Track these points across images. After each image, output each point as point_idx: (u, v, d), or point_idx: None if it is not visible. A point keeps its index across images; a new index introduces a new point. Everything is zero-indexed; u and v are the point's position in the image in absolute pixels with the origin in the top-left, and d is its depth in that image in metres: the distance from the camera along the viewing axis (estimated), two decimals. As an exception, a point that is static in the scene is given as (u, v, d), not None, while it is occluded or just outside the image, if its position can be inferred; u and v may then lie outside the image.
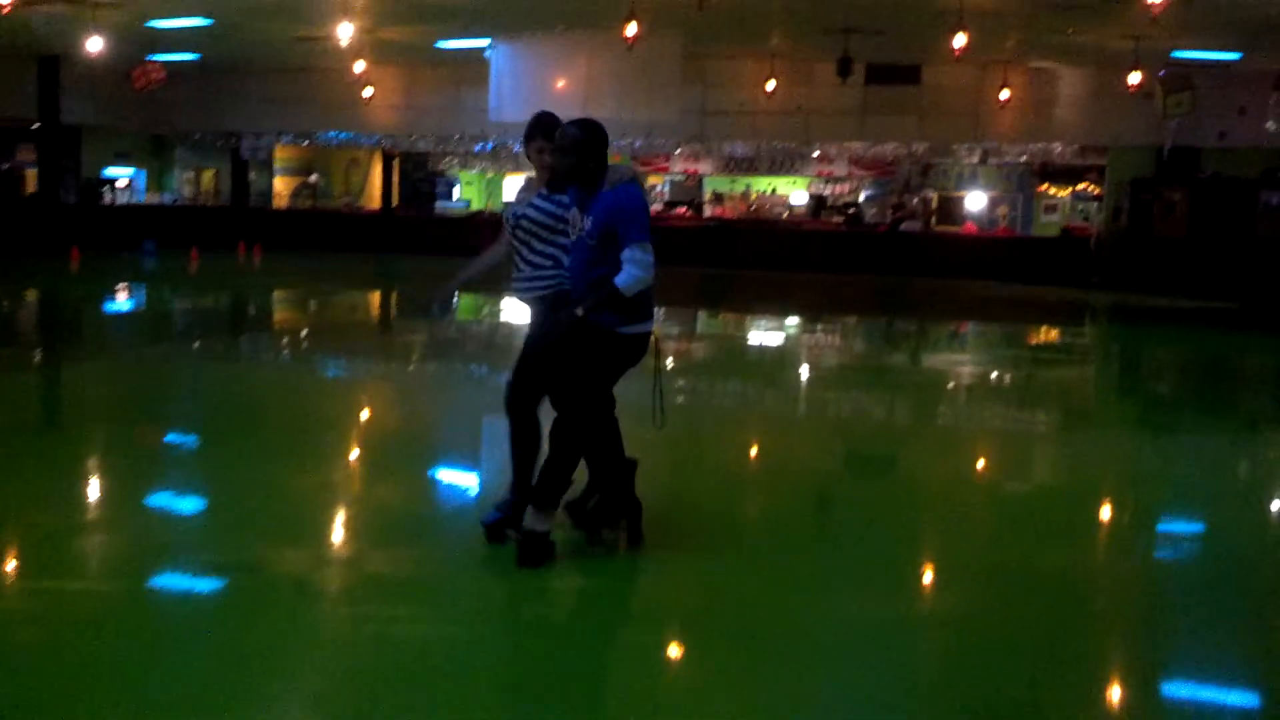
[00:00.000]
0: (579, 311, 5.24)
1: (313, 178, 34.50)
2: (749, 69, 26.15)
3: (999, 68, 24.78)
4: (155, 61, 24.11)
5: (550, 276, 5.59)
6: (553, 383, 5.56)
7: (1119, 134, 24.96)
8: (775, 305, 21.02)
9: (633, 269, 5.18)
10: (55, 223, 26.74)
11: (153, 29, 22.62)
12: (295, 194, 35.30)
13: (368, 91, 27.34)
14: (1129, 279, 24.43)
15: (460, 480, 7.63)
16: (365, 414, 10.14)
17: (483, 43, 23.82)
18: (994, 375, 14.02)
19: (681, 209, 31.30)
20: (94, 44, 20.34)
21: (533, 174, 5.83)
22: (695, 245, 27.68)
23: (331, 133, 29.83)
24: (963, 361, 15.20)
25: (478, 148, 29.21)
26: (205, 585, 5.21)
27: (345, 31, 19.48)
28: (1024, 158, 26.97)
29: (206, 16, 21.67)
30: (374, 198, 34.20)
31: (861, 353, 15.73)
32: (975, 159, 27.38)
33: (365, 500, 6.94)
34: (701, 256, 27.44)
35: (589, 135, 5.38)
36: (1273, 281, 22.81)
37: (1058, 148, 26.08)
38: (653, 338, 5.59)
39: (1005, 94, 24.74)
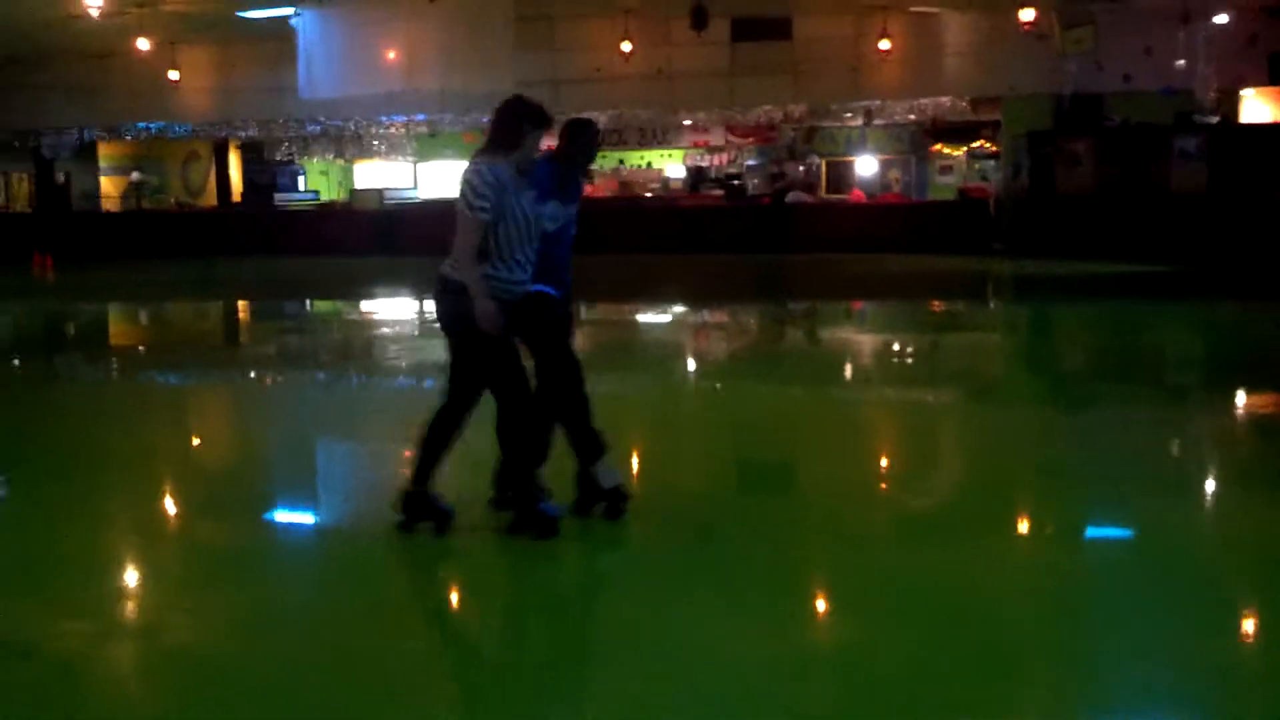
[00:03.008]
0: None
1: (134, 175, 31.01)
2: (602, 30, 23.32)
3: (877, 16, 22.19)
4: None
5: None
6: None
7: (1014, 83, 22.38)
8: (638, 296, 18.22)
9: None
10: None
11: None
12: (125, 195, 31.86)
13: (174, 74, 24.18)
14: (1034, 243, 21.98)
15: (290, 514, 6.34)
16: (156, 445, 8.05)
17: (288, 11, 20.76)
18: (886, 370, 11.38)
19: (545, 190, 28.35)
20: None
21: (494, 160, 5.19)
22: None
23: (140, 123, 26.47)
24: (848, 355, 12.49)
25: (308, 129, 26.06)
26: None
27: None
28: (911, 115, 24.37)
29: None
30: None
31: (735, 350, 13.00)
32: (859, 120, 24.75)
33: (175, 545, 5.79)
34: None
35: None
36: (1190, 239, 20.50)
37: (947, 102, 23.51)
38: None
39: (885, 45, 22.16)
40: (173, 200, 30.82)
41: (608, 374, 10.72)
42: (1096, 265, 19.69)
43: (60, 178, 29.40)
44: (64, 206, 29.65)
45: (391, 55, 20.61)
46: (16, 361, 12.80)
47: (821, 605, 4.94)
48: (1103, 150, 21.93)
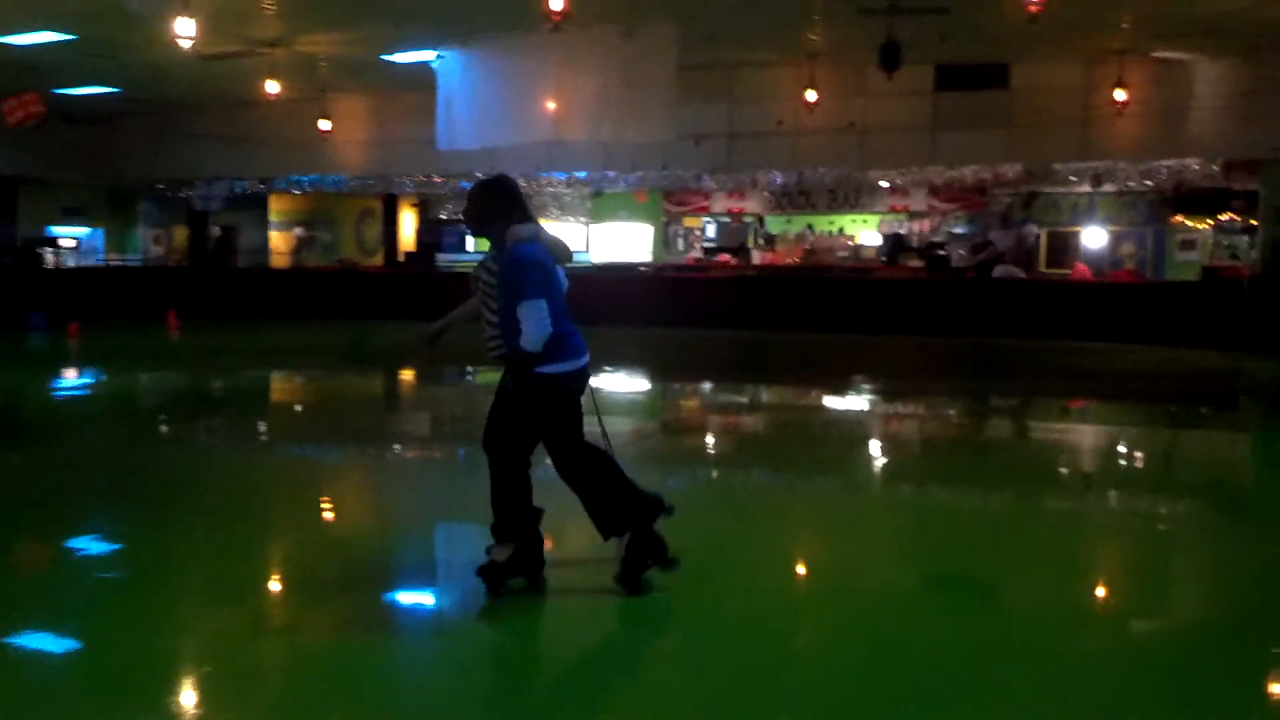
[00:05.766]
0: (511, 386, 5.51)
1: (298, 231, 29.71)
2: (784, 78, 20.56)
3: (1112, 62, 18.83)
4: (30, 93, 19.45)
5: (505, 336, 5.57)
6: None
7: (1278, 143, 18.58)
8: (788, 381, 15.27)
9: (527, 326, 5.31)
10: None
11: (10, 48, 18.04)
12: (295, 251, 30.66)
13: (325, 124, 22.50)
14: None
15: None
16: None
17: (431, 55, 18.75)
18: (1103, 498, 8.17)
19: (723, 256, 25.64)
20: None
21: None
22: (724, 304, 21.92)
23: (292, 176, 24.94)
24: (1050, 478, 9.29)
25: (463, 185, 23.97)
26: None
27: (186, 29, 14.44)
28: (1149, 181, 20.69)
29: (58, 29, 16.99)
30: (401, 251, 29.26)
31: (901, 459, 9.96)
32: (1086, 185, 21.18)
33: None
34: (736, 318, 21.67)
35: (490, 188, 5.58)
36: None
37: (1195, 165, 19.77)
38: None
39: (1121, 96, 18.74)
40: (337, 258, 29.32)
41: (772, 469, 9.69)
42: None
43: (215, 231, 28.19)
44: (218, 261, 28.49)
45: (550, 105, 18.30)
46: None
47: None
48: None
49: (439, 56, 18.54)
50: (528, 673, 4.99)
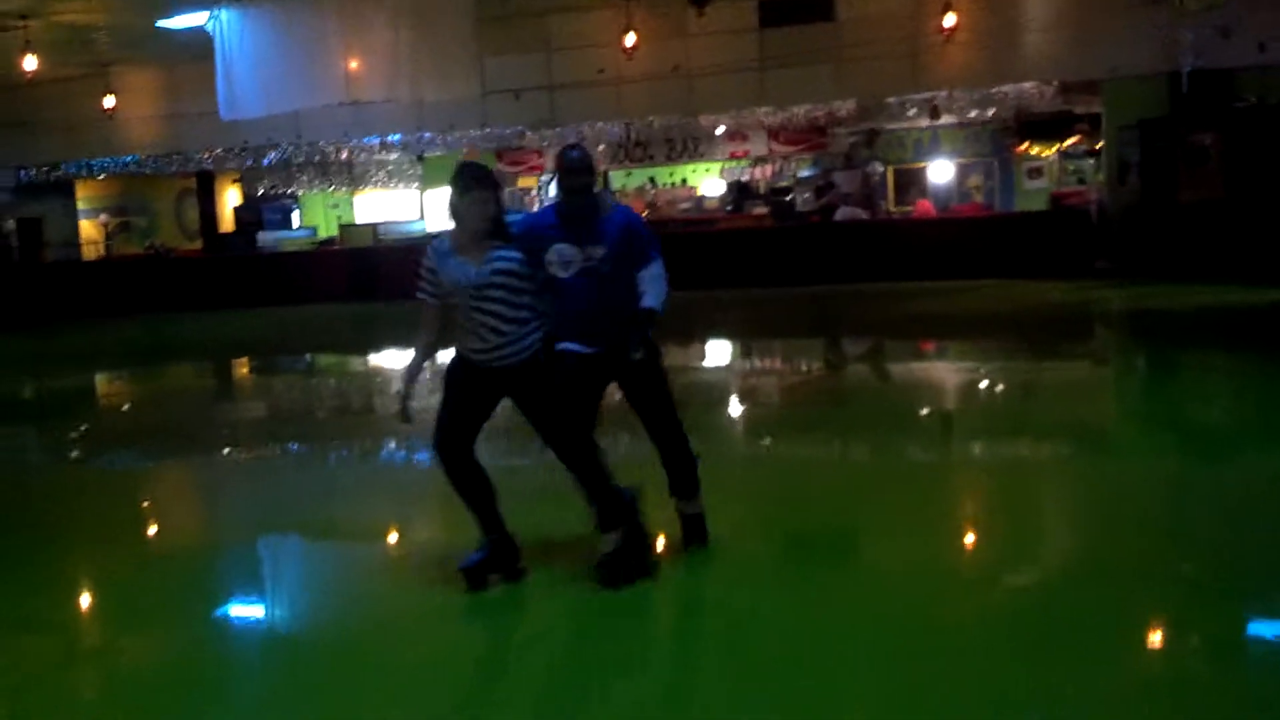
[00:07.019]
0: (637, 355, 4.97)
1: (102, 218, 27.65)
2: (601, 22, 19.26)
3: (940, -15, 17.88)
4: None
5: (537, 330, 4.99)
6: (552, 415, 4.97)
7: (1116, 62, 17.72)
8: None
9: (661, 285, 5.05)
10: None
11: None
12: (108, 239, 28.52)
13: (110, 101, 20.62)
14: (1148, 261, 17.46)
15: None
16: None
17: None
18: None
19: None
20: None
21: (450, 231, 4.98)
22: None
23: (83, 160, 22.98)
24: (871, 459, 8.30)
25: (266, 160, 22.29)
26: None
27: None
28: (989, 110, 19.83)
29: None
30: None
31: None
32: (924, 117, 20.27)
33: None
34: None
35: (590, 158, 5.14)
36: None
37: (1031, 89, 18.87)
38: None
39: (950, 21, 17.77)
40: (146, 245, 27.27)
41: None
42: (1234, 292, 15.20)
43: (9, 225, 25.97)
44: (22, 257, 26.30)
45: (341, 64, 16.77)
46: None
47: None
48: (1234, 142, 17.33)
49: (212, 17, 16.85)
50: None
